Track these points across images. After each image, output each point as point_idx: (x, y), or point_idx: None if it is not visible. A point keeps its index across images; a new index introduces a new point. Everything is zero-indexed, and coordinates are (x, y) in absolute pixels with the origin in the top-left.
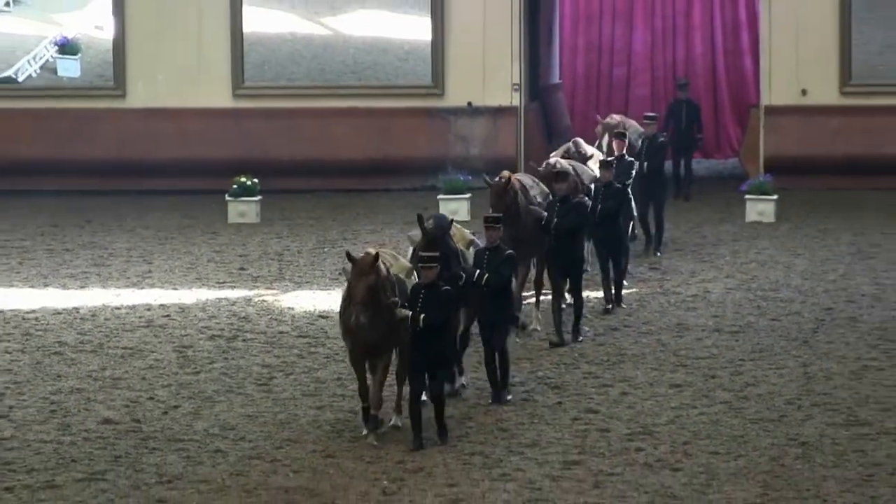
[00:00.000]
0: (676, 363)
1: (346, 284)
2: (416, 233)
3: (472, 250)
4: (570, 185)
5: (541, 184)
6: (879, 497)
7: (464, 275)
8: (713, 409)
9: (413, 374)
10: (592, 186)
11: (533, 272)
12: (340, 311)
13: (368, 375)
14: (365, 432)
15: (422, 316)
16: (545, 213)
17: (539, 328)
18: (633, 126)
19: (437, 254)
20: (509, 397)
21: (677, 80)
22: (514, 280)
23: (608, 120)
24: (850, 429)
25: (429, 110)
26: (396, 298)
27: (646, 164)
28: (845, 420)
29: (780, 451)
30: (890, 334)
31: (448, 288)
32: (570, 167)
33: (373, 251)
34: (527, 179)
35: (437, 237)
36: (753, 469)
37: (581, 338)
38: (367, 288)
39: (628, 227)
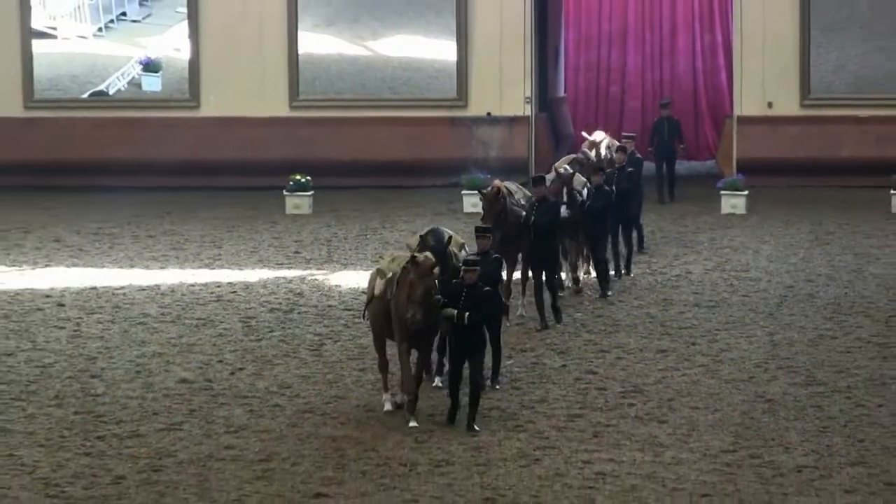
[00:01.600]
0: (662, 332)
1: (384, 278)
2: (413, 241)
3: (463, 253)
4: (551, 189)
5: (522, 188)
6: (833, 445)
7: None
8: (693, 371)
9: (454, 363)
10: (585, 190)
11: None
12: (380, 305)
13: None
14: (388, 407)
15: (466, 314)
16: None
17: (525, 314)
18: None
19: (478, 257)
20: (498, 386)
21: (661, 100)
22: (503, 278)
23: (579, 155)
24: (809, 388)
25: (454, 119)
26: (438, 296)
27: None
28: (805, 380)
29: (749, 406)
30: (842, 308)
31: (489, 288)
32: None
33: (431, 256)
34: (511, 185)
35: (439, 251)
36: (727, 421)
37: (560, 322)
38: (427, 289)
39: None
